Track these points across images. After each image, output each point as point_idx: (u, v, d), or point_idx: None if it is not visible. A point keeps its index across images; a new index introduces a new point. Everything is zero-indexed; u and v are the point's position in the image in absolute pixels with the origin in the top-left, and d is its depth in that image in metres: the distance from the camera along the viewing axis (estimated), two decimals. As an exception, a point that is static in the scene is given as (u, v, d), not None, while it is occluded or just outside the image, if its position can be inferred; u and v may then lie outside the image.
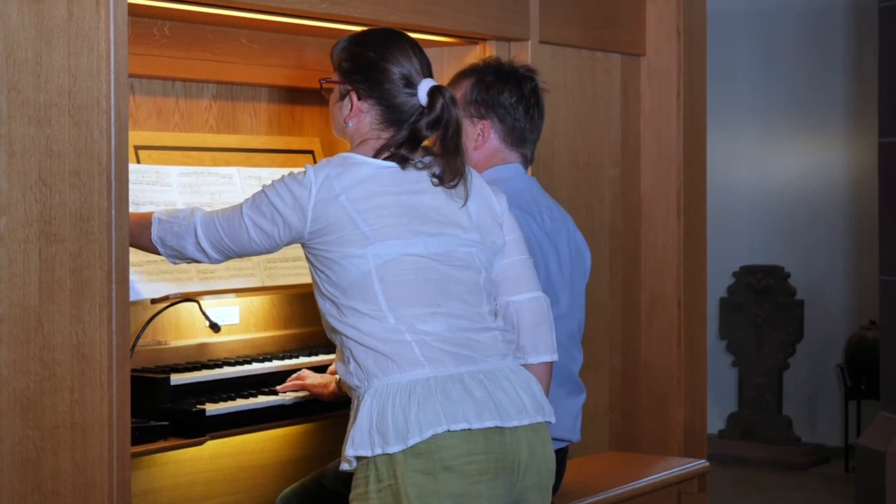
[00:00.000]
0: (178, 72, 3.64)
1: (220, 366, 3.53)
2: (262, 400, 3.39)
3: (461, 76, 3.47)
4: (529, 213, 3.37)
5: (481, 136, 3.41)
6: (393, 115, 2.82)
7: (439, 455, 2.63)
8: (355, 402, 2.75)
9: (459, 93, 3.36)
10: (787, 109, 8.02)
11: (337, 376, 3.36)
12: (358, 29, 3.68)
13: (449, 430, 2.64)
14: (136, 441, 2.98)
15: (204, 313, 3.51)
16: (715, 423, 7.62)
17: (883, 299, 5.76)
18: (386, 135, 2.82)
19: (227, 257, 2.90)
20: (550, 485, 2.83)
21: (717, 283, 7.41)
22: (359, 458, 2.69)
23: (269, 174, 3.79)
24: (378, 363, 2.69)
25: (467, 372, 2.71)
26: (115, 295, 2.85)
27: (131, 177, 2.98)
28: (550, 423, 2.81)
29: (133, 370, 3.03)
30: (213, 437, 3.25)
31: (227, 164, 3.75)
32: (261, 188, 2.83)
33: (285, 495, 3.37)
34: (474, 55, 3.99)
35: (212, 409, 3.26)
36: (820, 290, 7.83)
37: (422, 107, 2.81)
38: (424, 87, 2.81)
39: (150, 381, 3.24)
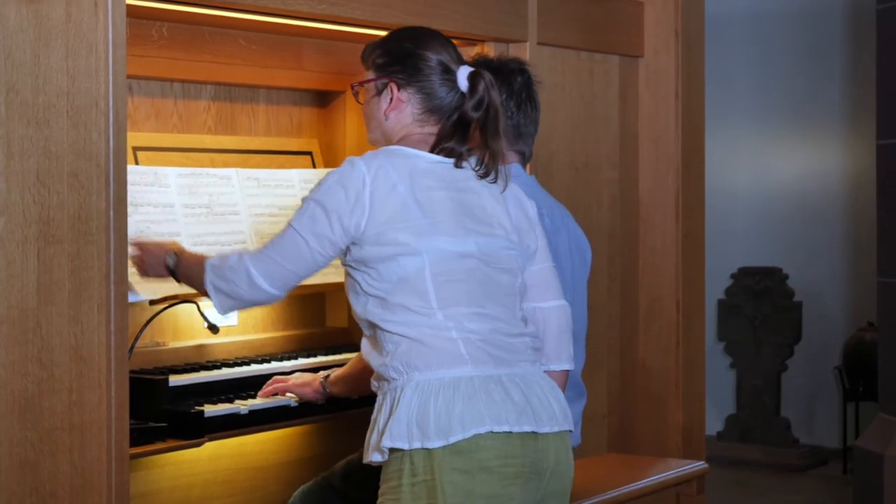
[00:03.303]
0: (177, 73, 3.64)
1: (218, 367, 3.53)
2: (261, 401, 3.39)
3: None
4: None
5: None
6: (433, 102, 2.82)
7: (478, 455, 2.62)
8: (388, 394, 2.70)
9: None
10: (784, 111, 8.02)
11: (321, 375, 3.35)
12: (358, 31, 3.70)
13: (492, 432, 2.63)
14: (134, 442, 2.98)
15: (202, 314, 3.51)
16: (713, 424, 7.62)
17: (881, 301, 5.77)
18: (428, 126, 2.82)
19: (287, 288, 2.81)
20: (569, 493, 2.82)
21: (715, 285, 7.41)
22: (392, 451, 2.66)
23: (268, 175, 3.79)
24: (422, 357, 2.67)
25: (505, 374, 2.71)
26: (114, 296, 2.85)
27: (130, 178, 2.98)
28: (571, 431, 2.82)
29: (131, 371, 3.03)
30: (211, 439, 3.25)
31: (226, 165, 3.75)
32: (301, 200, 2.79)
33: (296, 495, 3.36)
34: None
35: (210, 410, 3.26)
36: (818, 292, 7.83)
37: (462, 93, 2.81)
38: (463, 72, 2.82)
39: (148, 383, 3.24)
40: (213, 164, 3.72)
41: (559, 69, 4.33)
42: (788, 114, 8.01)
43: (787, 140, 8.07)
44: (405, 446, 2.62)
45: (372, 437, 2.70)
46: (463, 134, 2.80)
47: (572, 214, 3.56)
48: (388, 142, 2.86)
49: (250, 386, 3.48)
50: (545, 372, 2.85)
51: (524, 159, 3.48)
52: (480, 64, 3.42)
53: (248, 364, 3.60)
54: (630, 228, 4.68)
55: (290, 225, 2.77)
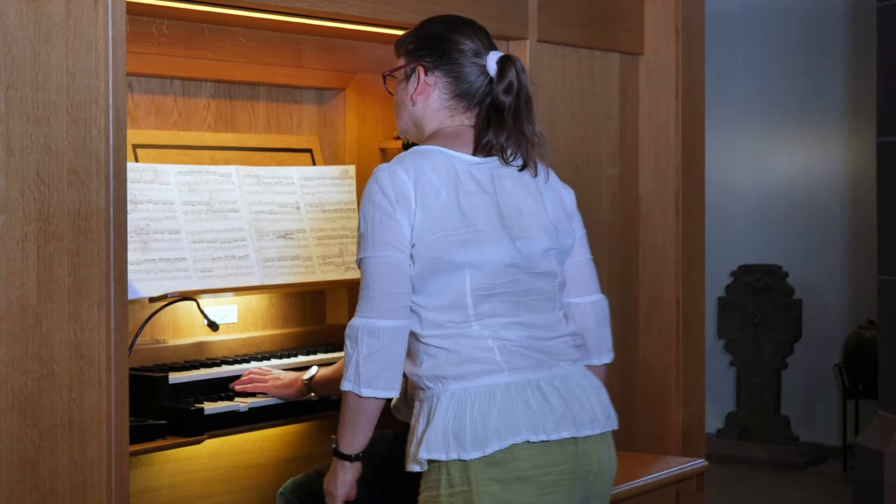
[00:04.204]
0: (177, 70, 3.64)
1: (218, 364, 3.53)
2: (261, 399, 3.39)
3: None
4: None
5: None
6: (461, 86, 2.76)
7: (515, 465, 2.59)
8: (425, 403, 2.67)
9: None
10: (785, 109, 8.02)
11: (304, 375, 3.34)
12: (358, 28, 3.70)
13: (528, 441, 2.60)
14: (134, 440, 2.98)
15: (202, 312, 3.51)
16: (713, 422, 7.63)
17: (881, 299, 5.76)
18: (458, 115, 2.76)
19: (407, 312, 2.65)
20: (610, 493, 2.80)
21: (716, 283, 7.41)
22: (431, 461, 2.63)
23: (267, 173, 3.79)
24: (457, 366, 2.63)
25: (543, 377, 2.67)
26: (114, 293, 2.84)
27: (129, 175, 2.98)
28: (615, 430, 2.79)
29: (131, 369, 3.03)
30: (211, 436, 3.25)
31: (226, 162, 3.75)
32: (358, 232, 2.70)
33: (287, 486, 3.36)
34: (473, 54, 3.98)
35: (210, 407, 3.26)
36: (818, 289, 7.83)
37: (491, 78, 2.75)
38: (493, 56, 2.77)
39: (148, 380, 3.24)
40: (213, 162, 3.72)
41: (559, 66, 4.33)
42: (789, 111, 8.01)
43: (788, 137, 8.07)
44: (442, 457, 2.59)
45: (411, 447, 2.67)
46: (499, 123, 2.72)
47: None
48: (419, 130, 2.81)
49: (250, 383, 3.48)
50: (588, 367, 2.83)
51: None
52: None
53: (247, 361, 3.59)
54: (630, 226, 4.68)
55: (360, 261, 2.66)
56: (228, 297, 3.71)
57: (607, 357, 2.91)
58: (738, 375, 7.83)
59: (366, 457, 3.12)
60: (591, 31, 4.44)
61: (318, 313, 4.05)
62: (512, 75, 2.75)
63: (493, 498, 2.58)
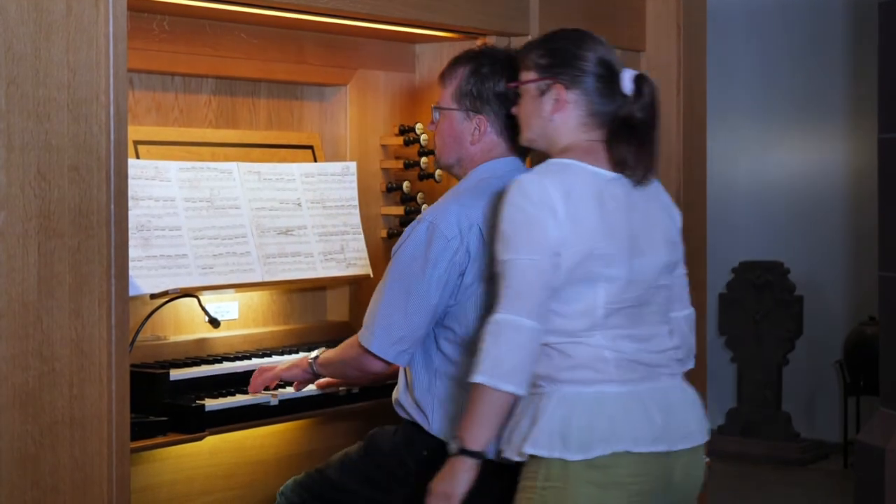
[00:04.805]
0: (178, 67, 3.64)
1: (219, 361, 3.53)
2: (262, 395, 3.39)
3: (456, 63, 3.32)
4: None
5: (478, 131, 3.33)
6: (597, 106, 2.83)
7: (614, 471, 2.69)
8: (533, 399, 2.74)
9: (455, 82, 3.28)
10: (786, 105, 8.01)
11: (310, 355, 3.36)
12: (359, 24, 3.70)
13: (628, 451, 2.69)
14: (135, 436, 2.98)
15: (203, 308, 3.51)
16: (714, 419, 7.62)
17: (882, 295, 5.76)
18: (593, 131, 2.82)
19: (545, 316, 2.71)
20: (692, 499, 2.89)
21: (717, 279, 7.41)
22: (531, 455, 2.72)
23: (269, 169, 3.78)
24: (572, 371, 2.72)
25: (647, 390, 2.77)
26: (115, 290, 2.84)
27: (130, 172, 2.97)
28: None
29: (132, 365, 3.03)
30: (212, 433, 3.26)
31: (227, 159, 3.75)
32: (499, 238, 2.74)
33: (288, 485, 3.36)
34: (474, 50, 3.98)
35: (211, 404, 3.26)
36: (819, 286, 7.83)
37: (625, 95, 2.82)
38: (628, 75, 2.83)
39: (149, 377, 3.24)
40: (214, 158, 3.72)
41: (560, 63, 4.32)
42: (790, 108, 8.01)
43: (789, 134, 8.06)
44: (545, 454, 2.68)
45: (513, 436, 2.74)
46: (631, 138, 2.79)
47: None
48: (551, 144, 2.87)
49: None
50: None
51: (524, 153, 3.44)
52: (487, 57, 3.37)
53: (248, 358, 3.60)
54: (631, 222, 4.67)
55: (505, 261, 2.70)
56: (229, 294, 3.71)
57: (691, 363, 3.02)
58: (739, 372, 7.83)
59: (368, 454, 3.13)
60: (592, 27, 4.38)
61: (318, 310, 4.05)
62: (648, 94, 2.82)
63: (588, 499, 2.68)
